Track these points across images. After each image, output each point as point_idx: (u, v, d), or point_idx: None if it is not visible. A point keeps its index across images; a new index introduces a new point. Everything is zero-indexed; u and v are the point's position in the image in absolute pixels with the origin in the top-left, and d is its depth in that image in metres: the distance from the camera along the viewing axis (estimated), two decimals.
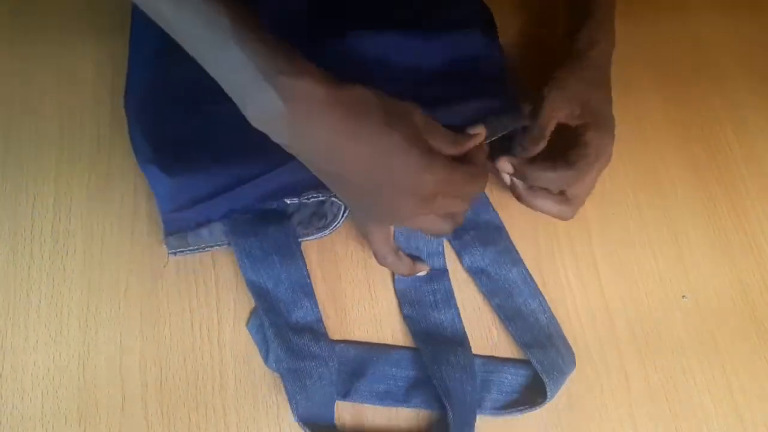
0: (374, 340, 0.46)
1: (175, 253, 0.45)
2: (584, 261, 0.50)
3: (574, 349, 0.47)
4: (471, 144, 0.40)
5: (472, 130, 0.41)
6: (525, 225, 0.50)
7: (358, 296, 0.47)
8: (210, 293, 0.46)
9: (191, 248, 0.45)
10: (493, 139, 0.48)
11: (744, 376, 0.47)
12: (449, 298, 0.47)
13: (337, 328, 0.46)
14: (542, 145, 0.46)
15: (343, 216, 0.47)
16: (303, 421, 0.42)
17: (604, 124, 0.47)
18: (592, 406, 0.46)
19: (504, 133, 0.48)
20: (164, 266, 0.46)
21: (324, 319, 0.46)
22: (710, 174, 0.54)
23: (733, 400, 0.47)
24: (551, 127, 0.46)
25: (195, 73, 0.49)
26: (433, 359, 0.44)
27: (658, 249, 0.51)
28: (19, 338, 0.43)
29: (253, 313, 0.45)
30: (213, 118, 0.48)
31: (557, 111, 0.46)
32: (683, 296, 0.49)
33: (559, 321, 0.48)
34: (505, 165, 0.46)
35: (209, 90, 0.48)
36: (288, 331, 0.44)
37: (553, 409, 0.45)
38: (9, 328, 0.44)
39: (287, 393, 0.42)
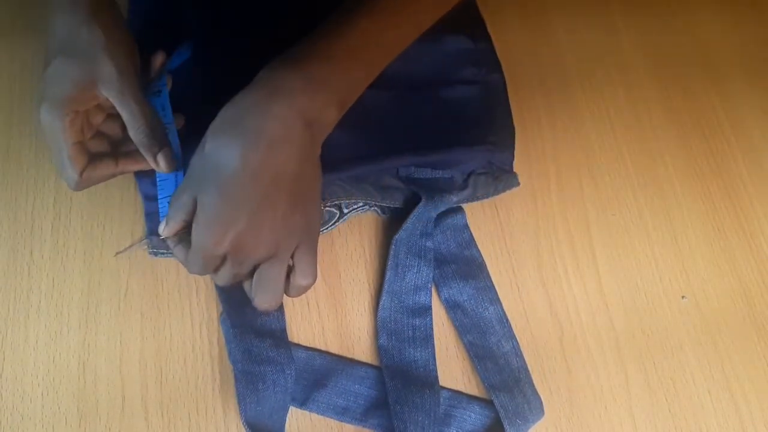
0: (374, 341, 0.46)
1: (155, 254, 0.45)
2: (584, 261, 0.50)
3: (575, 350, 0.47)
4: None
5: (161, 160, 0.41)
6: (525, 226, 0.50)
7: (358, 296, 0.47)
8: (210, 293, 0.46)
9: (171, 252, 0.44)
10: (484, 200, 0.49)
11: (744, 377, 0.47)
12: (428, 337, 0.46)
13: (336, 329, 0.46)
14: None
15: (334, 223, 0.47)
16: (249, 425, 0.41)
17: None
18: (592, 406, 0.46)
19: (494, 196, 0.49)
20: (116, 255, 0.46)
21: (321, 321, 0.46)
22: (710, 174, 0.54)
23: (733, 400, 0.47)
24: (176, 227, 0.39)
25: (190, 77, 0.49)
26: (398, 399, 0.43)
27: (657, 249, 0.51)
28: (19, 338, 0.43)
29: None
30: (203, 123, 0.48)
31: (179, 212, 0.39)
32: (683, 297, 0.49)
33: (559, 321, 0.48)
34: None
35: (201, 95, 0.49)
36: (250, 333, 0.43)
37: (553, 409, 0.45)
38: (9, 328, 0.44)
39: (237, 394, 0.42)
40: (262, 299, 0.39)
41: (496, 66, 0.54)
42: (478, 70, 0.53)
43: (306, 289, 0.41)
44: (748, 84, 0.58)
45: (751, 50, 0.60)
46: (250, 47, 0.48)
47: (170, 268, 0.46)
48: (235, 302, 0.44)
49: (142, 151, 0.41)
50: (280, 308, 0.45)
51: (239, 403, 0.41)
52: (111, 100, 0.40)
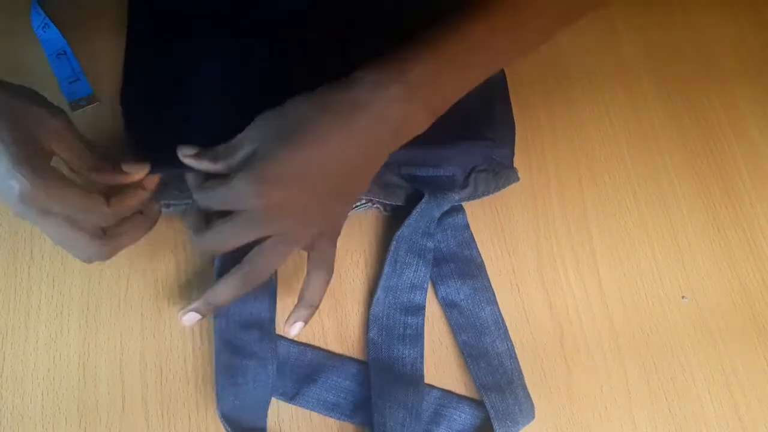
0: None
1: (167, 206, 0.44)
2: (584, 261, 0.50)
3: (575, 350, 0.47)
4: (110, 178, 0.38)
5: (127, 167, 0.39)
6: (525, 226, 0.50)
7: (358, 297, 0.47)
8: None
9: (183, 203, 0.44)
10: (484, 197, 0.49)
11: (744, 377, 0.47)
12: (419, 336, 0.46)
13: (336, 330, 0.46)
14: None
15: None
16: (225, 418, 0.41)
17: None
18: (592, 406, 0.46)
19: (495, 192, 0.49)
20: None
21: (323, 320, 0.46)
22: (710, 174, 0.54)
23: (732, 400, 0.47)
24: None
25: (187, 69, 0.49)
26: (380, 393, 0.43)
27: (657, 249, 0.51)
28: (20, 339, 0.43)
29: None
30: (197, 112, 0.48)
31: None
32: (683, 297, 0.49)
33: (559, 321, 0.48)
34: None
35: (196, 87, 0.49)
36: (235, 325, 0.43)
37: (553, 409, 0.45)
38: (9, 328, 0.44)
39: (216, 386, 0.42)
40: (244, 274, 0.39)
41: None
42: None
43: (322, 283, 0.41)
44: (748, 84, 0.58)
45: (751, 50, 0.60)
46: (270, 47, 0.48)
47: (170, 268, 0.46)
48: None
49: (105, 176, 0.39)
50: (273, 298, 0.45)
51: (217, 395, 0.41)
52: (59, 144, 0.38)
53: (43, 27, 0.51)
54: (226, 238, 0.38)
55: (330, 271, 0.41)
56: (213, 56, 0.51)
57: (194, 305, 0.41)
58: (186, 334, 0.44)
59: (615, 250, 0.51)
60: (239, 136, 0.38)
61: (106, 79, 0.51)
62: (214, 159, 0.38)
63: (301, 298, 0.42)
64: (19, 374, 0.43)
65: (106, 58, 0.52)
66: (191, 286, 0.46)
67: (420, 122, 0.39)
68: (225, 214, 0.38)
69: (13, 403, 0.42)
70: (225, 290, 0.40)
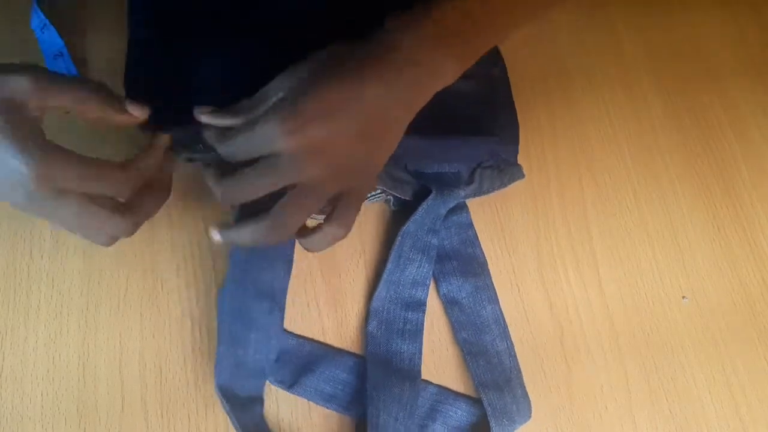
0: None
1: (189, 160, 0.44)
2: (584, 261, 0.50)
3: (575, 350, 0.47)
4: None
5: (131, 107, 0.36)
6: (525, 226, 0.50)
7: (358, 296, 0.47)
8: (210, 294, 0.46)
9: (197, 156, 0.43)
10: (490, 194, 0.49)
11: (744, 377, 0.47)
12: (418, 331, 0.46)
13: (336, 329, 0.46)
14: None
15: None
16: (222, 389, 0.41)
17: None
18: (592, 406, 0.46)
19: (500, 189, 0.49)
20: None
21: (323, 317, 0.46)
22: (710, 174, 0.54)
23: (733, 400, 0.47)
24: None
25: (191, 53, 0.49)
26: (376, 385, 0.43)
27: (658, 249, 0.51)
28: (19, 339, 0.43)
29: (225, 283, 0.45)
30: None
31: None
32: (683, 297, 0.49)
33: (559, 321, 0.48)
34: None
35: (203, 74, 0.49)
36: (247, 295, 0.43)
37: (553, 409, 0.45)
38: (8, 328, 0.44)
39: (217, 355, 0.42)
40: (270, 226, 0.36)
41: (496, 59, 0.54)
42: (477, 65, 0.53)
43: (332, 239, 0.38)
44: (748, 84, 0.58)
45: (751, 50, 0.60)
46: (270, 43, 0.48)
47: (170, 267, 0.46)
48: (245, 256, 0.44)
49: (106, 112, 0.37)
50: (288, 270, 0.45)
51: (216, 365, 0.41)
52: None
53: (42, 28, 0.51)
54: (249, 185, 0.36)
55: (347, 230, 0.38)
56: (213, 56, 0.51)
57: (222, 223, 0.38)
58: (185, 334, 0.44)
59: (615, 249, 0.50)
60: (264, 88, 0.37)
61: (109, 77, 0.51)
62: (236, 114, 0.37)
63: (300, 239, 0.39)
64: (19, 374, 0.42)
65: (104, 60, 0.51)
66: (191, 286, 0.46)
67: (450, 71, 0.39)
68: (249, 165, 0.36)
69: (12, 404, 0.42)
70: (246, 233, 0.37)
